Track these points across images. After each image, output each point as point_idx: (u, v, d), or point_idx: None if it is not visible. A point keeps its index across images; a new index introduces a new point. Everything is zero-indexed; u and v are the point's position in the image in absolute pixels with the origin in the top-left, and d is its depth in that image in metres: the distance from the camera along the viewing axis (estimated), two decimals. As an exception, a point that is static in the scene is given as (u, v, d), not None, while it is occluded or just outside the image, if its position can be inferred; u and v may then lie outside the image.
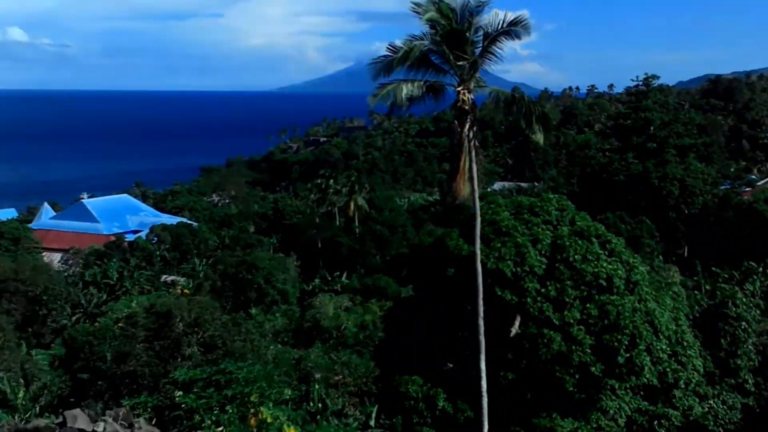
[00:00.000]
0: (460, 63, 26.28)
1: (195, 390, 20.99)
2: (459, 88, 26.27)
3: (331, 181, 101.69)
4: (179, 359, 29.29)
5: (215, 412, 19.98)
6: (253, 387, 20.86)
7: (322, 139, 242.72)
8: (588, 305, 26.91)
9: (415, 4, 25.98)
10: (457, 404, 27.10)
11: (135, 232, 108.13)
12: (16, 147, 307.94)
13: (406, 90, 26.48)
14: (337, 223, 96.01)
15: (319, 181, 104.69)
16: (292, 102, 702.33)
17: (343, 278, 72.16)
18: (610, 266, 27.60)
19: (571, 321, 26.47)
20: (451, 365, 28.78)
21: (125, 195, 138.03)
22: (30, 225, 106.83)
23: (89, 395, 30.20)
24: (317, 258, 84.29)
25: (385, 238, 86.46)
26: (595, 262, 27.47)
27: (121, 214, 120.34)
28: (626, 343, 26.21)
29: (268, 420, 19.32)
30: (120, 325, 36.33)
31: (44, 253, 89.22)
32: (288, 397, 24.11)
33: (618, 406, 27.12)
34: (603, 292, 27.19)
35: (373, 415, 27.86)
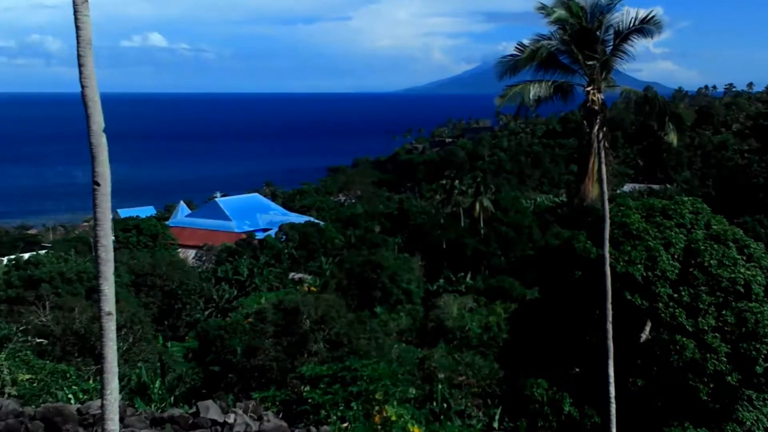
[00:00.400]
0: (590, 63, 25.71)
1: (321, 386, 21.38)
2: (588, 88, 25.70)
3: (457, 182, 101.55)
4: (306, 355, 29.89)
5: (341, 408, 20.28)
6: (377, 385, 21.07)
7: (447, 140, 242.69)
8: (724, 312, 25.84)
9: (541, 4, 25.60)
10: (584, 409, 26.55)
11: (265, 230, 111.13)
12: (155, 147, 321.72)
13: (533, 91, 26.11)
14: (462, 224, 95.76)
15: (444, 182, 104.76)
16: (418, 103, 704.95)
17: (468, 279, 71.94)
18: (748, 272, 26.40)
19: (706, 328, 25.49)
20: (578, 370, 28.22)
21: (256, 194, 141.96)
22: (167, 222, 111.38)
23: (220, 387, 31.21)
24: (441, 258, 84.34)
25: (511, 240, 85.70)
26: (732, 268, 26.34)
27: (252, 212, 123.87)
28: (765, 352, 25.06)
29: (393, 418, 19.46)
30: (250, 320, 37.38)
31: (180, 250, 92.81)
32: (412, 395, 24.24)
33: (755, 418, 25.93)
34: (740, 299, 26.05)
35: (497, 417, 27.64)
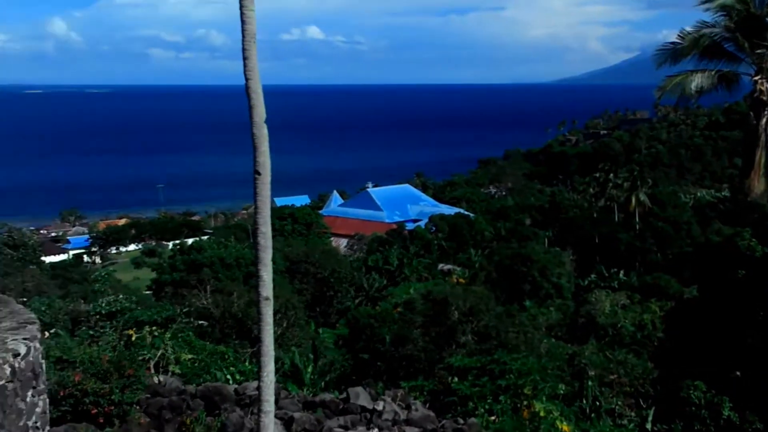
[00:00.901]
0: (758, 51, 24.40)
1: (469, 378, 21.36)
2: (756, 78, 24.40)
3: (611, 175, 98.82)
4: (454, 346, 29.92)
5: (488, 401, 20.20)
6: (526, 379, 20.85)
7: (602, 132, 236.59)
8: None
9: (704, -10, 24.49)
10: (745, 414, 25.32)
11: (415, 221, 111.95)
12: (310, 138, 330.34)
13: (695, 81, 25.06)
14: (616, 218, 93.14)
15: (598, 174, 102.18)
16: (572, 94, 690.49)
17: (621, 275, 69.94)
18: None
19: None
20: (738, 373, 26.95)
21: (407, 185, 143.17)
22: (320, 211, 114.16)
23: (369, 374, 31.69)
24: (593, 253, 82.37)
25: (668, 236, 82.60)
26: None
27: (403, 203, 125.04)
28: None
29: (541, 414, 19.22)
30: (399, 309, 37.79)
31: (332, 238, 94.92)
32: (561, 392, 23.79)
33: None
34: None
35: (650, 418, 26.74)
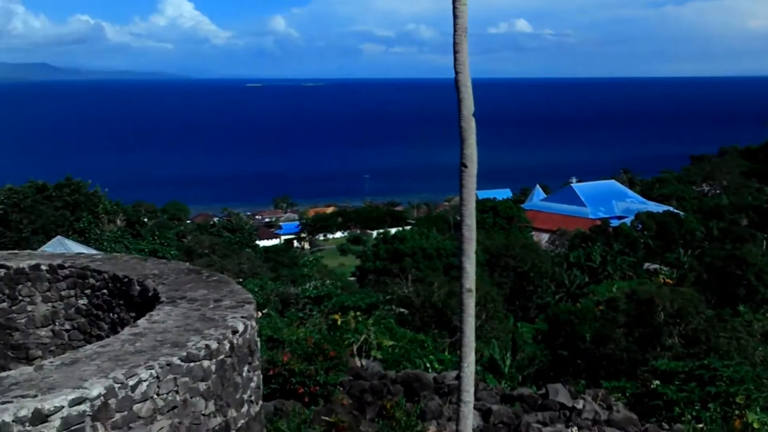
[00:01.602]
0: None
1: (676, 382, 20.50)
2: None
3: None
4: (658, 349, 28.82)
5: (696, 407, 19.30)
6: (739, 388, 19.72)
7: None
8: None
9: None
10: None
11: (620, 218, 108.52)
12: (514, 132, 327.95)
13: None
14: None
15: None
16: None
17: None
18: None
19: None
20: None
21: (612, 181, 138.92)
22: (522, 205, 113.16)
23: (568, 372, 31.17)
24: (818, 258, 76.33)
25: None
26: None
27: (608, 199, 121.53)
28: None
29: (755, 425, 18.08)
30: (600, 308, 36.81)
31: (533, 233, 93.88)
32: (777, 404, 22.31)
33: None
34: None
35: None
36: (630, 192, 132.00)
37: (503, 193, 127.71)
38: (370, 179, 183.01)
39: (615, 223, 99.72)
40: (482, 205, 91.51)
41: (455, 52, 8.62)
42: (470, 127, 8.78)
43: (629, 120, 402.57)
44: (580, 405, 17.79)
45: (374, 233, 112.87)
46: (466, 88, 8.68)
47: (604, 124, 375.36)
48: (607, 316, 32.91)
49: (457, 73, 8.67)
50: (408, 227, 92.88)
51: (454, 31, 8.63)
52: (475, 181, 8.97)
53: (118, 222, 40.62)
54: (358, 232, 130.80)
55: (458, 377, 9.95)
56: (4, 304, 16.36)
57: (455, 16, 8.61)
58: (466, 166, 8.89)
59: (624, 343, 29.65)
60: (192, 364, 10.39)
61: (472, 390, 9.68)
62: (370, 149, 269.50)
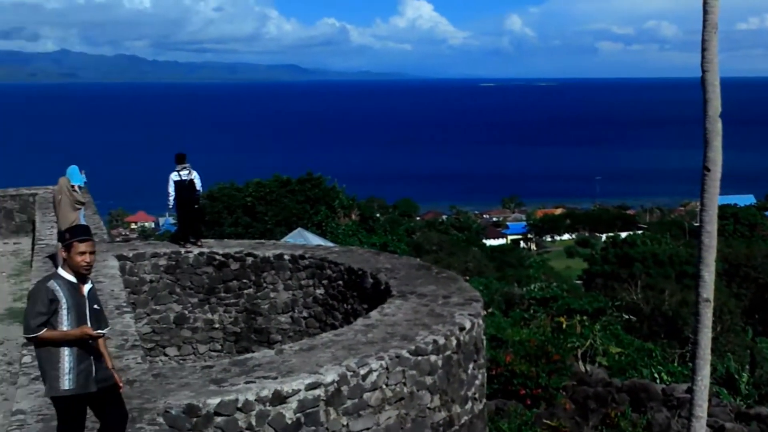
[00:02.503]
0: None
1: None
2: None
3: None
4: None
5: None
6: None
7: None
8: None
9: None
10: None
11: None
12: (763, 133, 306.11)
13: None
14: None
15: None
16: None
17: None
18: None
19: None
20: None
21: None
22: (767, 213, 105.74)
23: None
24: None
25: None
26: None
27: None
28: None
29: None
30: None
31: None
32: None
33: None
34: None
35: None
36: None
37: (746, 199, 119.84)
38: (601, 181, 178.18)
39: None
40: (723, 212, 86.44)
41: (703, 50, 8.26)
42: (716, 128, 8.38)
43: None
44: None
45: (603, 236, 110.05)
46: (714, 87, 8.29)
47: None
48: None
49: (704, 71, 8.30)
50: (639, 231, 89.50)
51: (704, 27, 8.26)
52: (718, 185, 8.55)
53: (353, 216, 42.30)
54: (587, 234, 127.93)
55: (690, 390, 9.54)
56: (250, 290, 17.62)
57: (705, 12, 8.24)
58: (709, 170, 8.50)
59: None
60: (420, 358, 10.69)
61: (705, 405, 9.24)
62: (602, 150, 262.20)
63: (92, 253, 6.34)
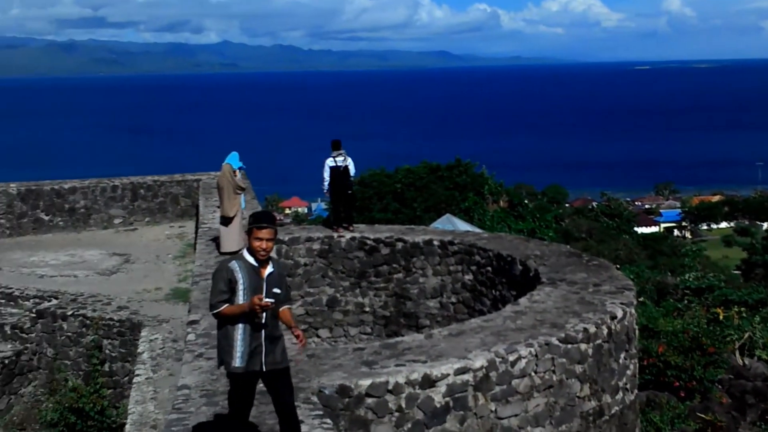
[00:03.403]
0: None
1: None
2: None
3: None
4: None
5: None
6: None
7: None
8: None
9: None
10: None
11: None
12: None
13: None
14: None
15: None
16: None
17: None
18: None
19: None
20: None
21: None
22: None
23: None
24: None
25: None
26: None
27: None
28: None
29: None
30: None
31: None
32: None
33: None
34: None
35: None
36: None
37: None
38: (763, 166, 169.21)
39: None
40: None
41: None
42: None
43: None
44: None
45: (765, 225, 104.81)
46: None
47: None
48: None
49: None
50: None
51: None
52: None
53: (501, 203, 42.13)
54: (746, 223, 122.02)
55: None
56: (400, 275, 17.98)
57: None
58: None
59: None
60: (569, 346, 10.67)
61: None
62: (765, 135, 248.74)
63: (270, 240, 6.56)
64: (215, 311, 6.52)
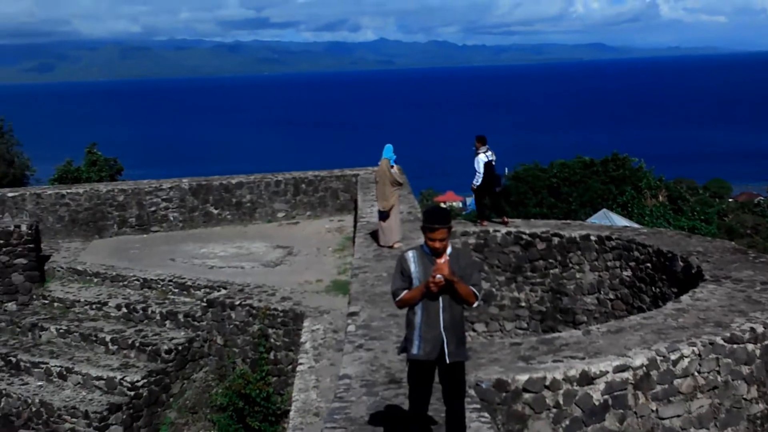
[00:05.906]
0: None
1: None
2: None
3: None
4: None
5: None
6: None
7: None
8: None
9: None
10: None
11: None
12: None
13: None
14: None
15: None
16: None
17: None
18: None
19: None
20: None
21: None
22: None
23: None
24: None
25: None
26: None
27: None
28: None
29: None
30: None
31: None
32: None
33: None
34: None
35: None
36: None
37: None
38: None
39: None
40: None
41: None
42: None
43: None
44: None
45: None
46: None
47: None
48: None
49: None
50: None
51: None
52: None
53: (660, 197, 40.74)
54: None
55: None
56: (556, 270, 17.84)
57: None
58: None
59: None
60: (735, 346, 10.32)
61: None
62: None
63: (442, 240, 6.50)
64: (396, 299, 6.68)
